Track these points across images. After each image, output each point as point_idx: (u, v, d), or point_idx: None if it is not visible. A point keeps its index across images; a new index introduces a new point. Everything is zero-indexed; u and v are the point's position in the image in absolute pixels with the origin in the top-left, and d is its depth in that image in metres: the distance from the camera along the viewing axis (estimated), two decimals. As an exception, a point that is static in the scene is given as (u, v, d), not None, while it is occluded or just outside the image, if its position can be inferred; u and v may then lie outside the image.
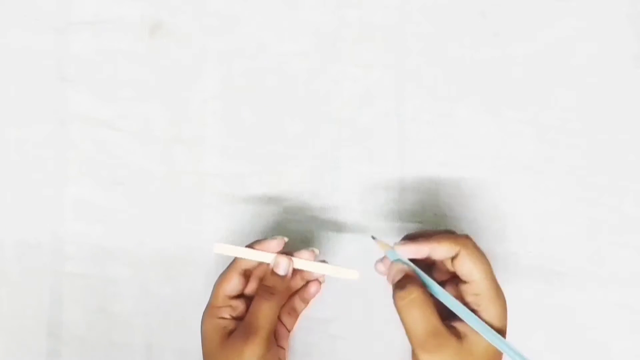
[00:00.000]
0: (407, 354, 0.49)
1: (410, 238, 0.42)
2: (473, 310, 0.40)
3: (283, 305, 0.47)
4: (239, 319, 0.44)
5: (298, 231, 0.50)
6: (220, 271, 0.45)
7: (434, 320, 0.39)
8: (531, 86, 0.51)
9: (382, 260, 0.43)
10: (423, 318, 0.39)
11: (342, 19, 0.52)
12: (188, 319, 0.49)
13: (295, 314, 0.48)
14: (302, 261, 0.45)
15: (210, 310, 0.45)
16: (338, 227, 0.50)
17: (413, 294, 0.40)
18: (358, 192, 0.50)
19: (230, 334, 0.43)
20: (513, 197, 0.50)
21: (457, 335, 0.40)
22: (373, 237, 0.44)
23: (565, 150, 0.50)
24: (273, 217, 0.50)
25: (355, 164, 0.51)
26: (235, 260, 0.45)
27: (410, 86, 0.51)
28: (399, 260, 0.42)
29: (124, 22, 0.52)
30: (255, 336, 0.42)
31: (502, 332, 0.40)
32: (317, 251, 0.46)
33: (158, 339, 0.50)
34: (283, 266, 0.45)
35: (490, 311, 0.40)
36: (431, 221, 0.50)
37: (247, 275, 0.45)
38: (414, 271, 0.41)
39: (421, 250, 0.41)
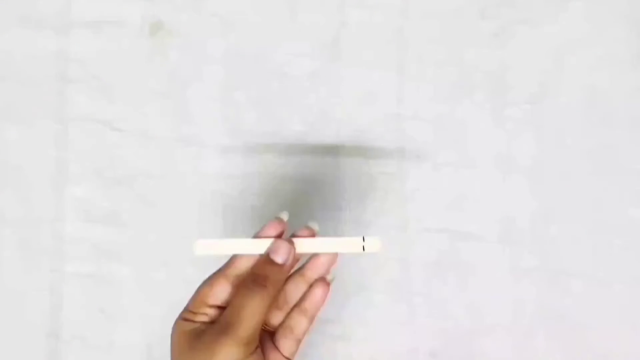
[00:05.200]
0: (407, 354, 0.49)
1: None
2: None
3: (281, 325, 0.39)
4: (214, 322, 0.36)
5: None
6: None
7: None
8: (531, 86, 0.51)
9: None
10: None
11: (342, 19, 0.52)
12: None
13: (292, 335, 0.38)
14: (308, 241, 0.37)
15: (182, 314, 0.37)
16: (339, 227, 0.50)
17: None
18: (358, 192, 0.50)
19: (201, 335, 0.35)
20: (513, 197, 0.50)
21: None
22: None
23: (565, 150, 0.50)
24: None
25: (355, 164, 0.51)
26: (228, 263, 0.38)
27: (410, 86, 0.51)
28: None
29: (124, 22, 0.52)
30: (232, 334, 0.34)
31: None
32: (316, 227, 0.38)
33: (158, 339, 0.50)
34: (282, 251, 0.36)
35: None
36: (430, 221, 0.50)
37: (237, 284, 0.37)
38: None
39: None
